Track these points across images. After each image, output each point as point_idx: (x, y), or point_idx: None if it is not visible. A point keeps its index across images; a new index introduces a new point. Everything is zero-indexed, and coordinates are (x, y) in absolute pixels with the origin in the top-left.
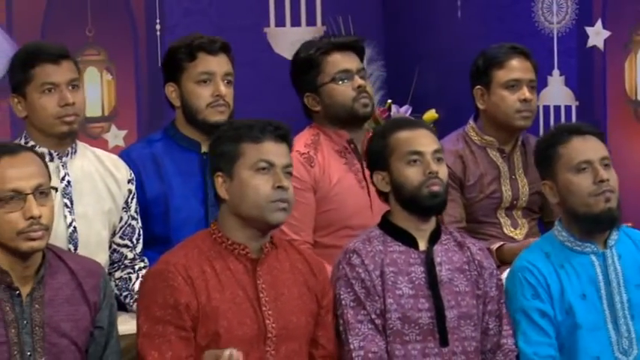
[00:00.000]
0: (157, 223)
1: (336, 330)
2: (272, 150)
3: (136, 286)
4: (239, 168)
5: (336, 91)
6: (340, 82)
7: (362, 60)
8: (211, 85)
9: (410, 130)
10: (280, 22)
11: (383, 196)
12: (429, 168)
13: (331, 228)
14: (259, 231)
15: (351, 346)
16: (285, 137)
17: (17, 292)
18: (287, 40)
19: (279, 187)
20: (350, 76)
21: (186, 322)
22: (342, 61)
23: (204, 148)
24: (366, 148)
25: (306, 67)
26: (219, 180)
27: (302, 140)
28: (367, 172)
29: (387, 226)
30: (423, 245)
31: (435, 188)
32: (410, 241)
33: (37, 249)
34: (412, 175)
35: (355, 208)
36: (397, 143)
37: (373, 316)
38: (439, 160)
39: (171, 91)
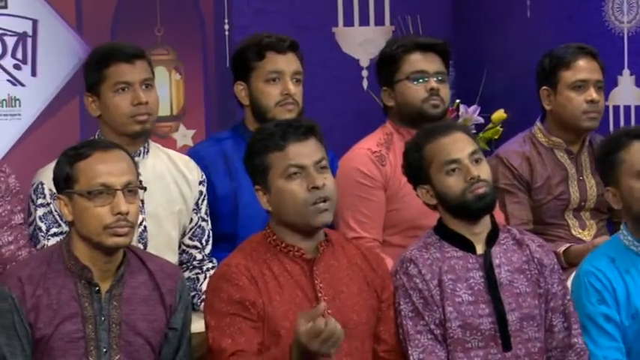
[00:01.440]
0: (225, 220)
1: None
2: (298, 152)
3: (204, 287)
4: (272, 179)
5: (408, 90)
6: (414, 82)
7: (447, 64)
8: (280, 83)
9: (442, 137)
10: (348, 22)
11: (431, 207)
12: (469, 174)
13: (399, 227)
14: (308, 233)
15: (411, 358)
16: (310, 132)
17: (97, 288)
18: (355, 40)
19: (313, 187)
20: (425, 77)
21: (254, 315)
22: (420, 61)
23: None
24: (403, 163)
25: (386, 62)
26: (259, 194)
27: (375, 138)
28: None
29: (442, 230)
30: (480, 248)
31: (480, 191)
32: (467, 246)
33: (121, 245)
34: (454, 184)
35: (424, 209)
36: (432, 154)
37: (432, 327)
38: (477, 161)
39: (240, 89)
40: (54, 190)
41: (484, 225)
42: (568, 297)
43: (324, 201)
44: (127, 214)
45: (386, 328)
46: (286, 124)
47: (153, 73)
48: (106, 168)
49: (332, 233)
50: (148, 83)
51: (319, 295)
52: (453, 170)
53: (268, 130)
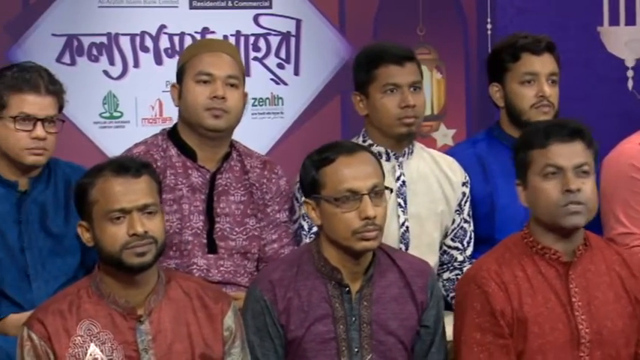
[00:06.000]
0: (481, 223)
1: None
2: (560, 152)
3: None
4: (531, 175)
5: None
6: None
7: None
8: (535, 85)
9: None
10: (614, 21)
11: None
12: None
13: None
14: (562, 235)
15: None
16: (577, 134)
17: (347, 289)
18: (621, 40)
19: (567, 190)
20: None
21: (504, 328)
22: None
23: None
24: None
25: None
26: (519, 189)
27: None
28: None
29: None
30: None
31: None
32: None
33: (370, 249)
34: None
35: None
36: None
37: None
38: None
39: (495, 91)
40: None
41: None
42: None
43: (577, 204)
44: (374, 218)
45: None
46: (554, 123)
47: (422, 75)
48: (351, 172)
49: (592, 237)
50: (417, 86)
51: (573, 300)
52: None
53: (536, 127)
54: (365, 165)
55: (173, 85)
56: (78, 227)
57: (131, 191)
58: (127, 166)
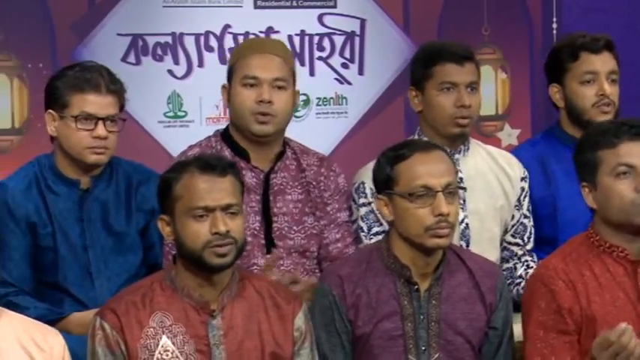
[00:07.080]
0: (543, 224)
1: None
2: (631, 151)
3: (518, 272)
4: (600, 176)
5: None
6: None
7: None
8: (595, 84)
9: None
10: None
11: None
12: None
13: None
14: (632, 234)
15: None
16: None
17: (416, 287)
18: None
19: None
20: None
21: (570, 325)
22: None
23: None
24: None
25: None
26: (585, 190)
27: None
28: None
29: None
30: None
31: None
32: None
33: (442, 246)
34: None
35: None
36: None
37: None
38: None
39: (554, 92)
40: (375, 190)
41: None
42: None
43: None
44: (447, 215)
45: None
46: (621, 122)
47: (480, 76)
48: (426, 169)
49: None
50: (474, 86)
51: None
52: None
53: (602, 127)
54: (440, 163)
55: (223, 86)
56: (158, 221)
57: (216, 190)
58: (213, 164)
